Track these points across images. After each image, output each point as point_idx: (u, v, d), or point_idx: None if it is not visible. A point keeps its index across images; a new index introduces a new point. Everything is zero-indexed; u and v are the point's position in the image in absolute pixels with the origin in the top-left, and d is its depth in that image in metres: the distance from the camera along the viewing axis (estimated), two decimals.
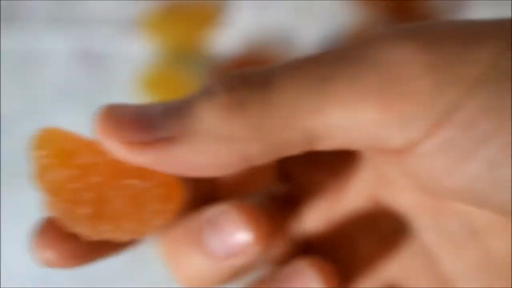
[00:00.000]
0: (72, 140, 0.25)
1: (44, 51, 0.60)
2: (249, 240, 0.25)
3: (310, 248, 0.29)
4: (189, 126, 0.23)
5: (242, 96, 0.23)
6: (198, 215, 0.27)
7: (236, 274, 0.27)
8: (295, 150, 0.24)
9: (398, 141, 0.23)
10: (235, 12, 0.61)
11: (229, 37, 0.60)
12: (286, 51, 0.60)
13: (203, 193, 0.28)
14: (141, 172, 0.24)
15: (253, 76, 0.23)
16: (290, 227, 0.29)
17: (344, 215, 0.28)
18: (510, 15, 0.56)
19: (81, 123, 0.62)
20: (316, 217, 0.28)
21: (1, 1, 0.60)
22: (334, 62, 0.23)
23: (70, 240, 0.25)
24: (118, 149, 0.24)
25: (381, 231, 0.28)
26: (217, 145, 0.23)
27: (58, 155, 0.25)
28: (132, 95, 0.59)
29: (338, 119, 0.22)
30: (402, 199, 0.27)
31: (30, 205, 0.58)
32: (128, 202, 0.24)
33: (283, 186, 0.29)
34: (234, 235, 0.25)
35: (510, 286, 0.25)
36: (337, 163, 0.28)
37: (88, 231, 0.25)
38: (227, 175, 0.24)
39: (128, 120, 0.23)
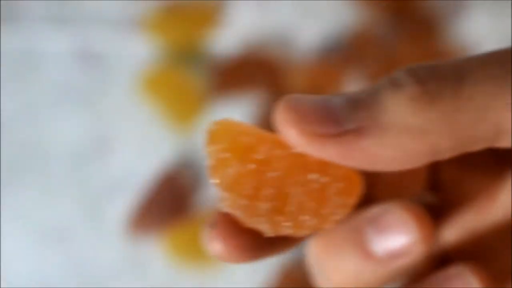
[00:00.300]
0: (249, 134, 0.24)
1: (44, 51, 0.60)
2: (414, 240, 0.24)
3: (447, 260, 0.28)
4: (378, 118, 0.22)
5: (434, 89, 0.22)
6: (358, 215, 0.26)
7: (393, 278, 0.26)
8: (479, 146, 0.23)
9: None
10: (235, 12, 0.61)
11: (229, 37, 0.60)
12: (286, 51, 0.60)
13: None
14: (320, 166, 0.24)
15: (444, 69, 0.23)
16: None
17: (488, 226, 0.27)
18: (510, 15, 0.56)
19: (81, 122, 0.62)
20: (459, 228, 0.28)
21: (1, 1, 0.60)
22: None
23: (246, 234, 0.24)
24: (299, 142, 0.23)
25: None
26: (407, 138, 0.22)
27: (235, 149, 0.24)
28: (132, 94, 0.59)
29: None
30: None
31: (30, 205, 0.58)
32: (308, 197, 0.24)
33: (431, 195, 0.29)
34: (400, 234, 0.25)
35: None
36: (489, 172, 0.27)
37: (267, 228, 0.24)
38: (409, 169, 0.24)
39: (312, 111, 0.23)
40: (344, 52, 0.60)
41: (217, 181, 0.24)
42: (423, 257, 0.26)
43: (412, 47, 0.60)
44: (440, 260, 0.28)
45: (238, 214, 0.24)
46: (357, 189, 0.24)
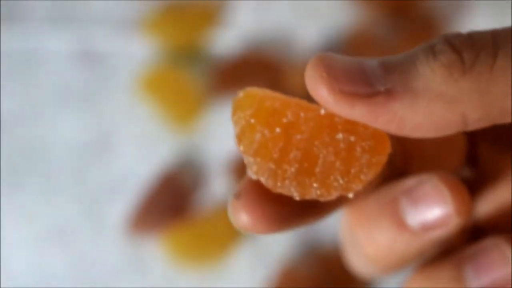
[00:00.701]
0: (274, 99, 0.24)
1: (44, 51, 0.60)
2: (450, 212, 0.24)
3: (480, 236, 0.27)
4: (411, 83, 0.22)
5: (470, 58, 0.22)
6: (393, 186, 0.26)
7: (427, 250, 0.26)
8: (509, 119, 0.23)
9: None
10: (235, 12, 0.61)
11: (229, 37, 0.60)
12: (285, 51, 0.60)
13: (393, 167, 0.27)
14: (347, 126, 0.24)
15: (480, 38, 0.23)
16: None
17: None
18: (510, 15, 0.56)
19: (81, 122, 0.62)
20: (494, 202, 0.28)
21: (1, 1, 0.60)
22: None
23: (272, 204, 0.24)
24: (328, 100, 0.23)
25: None
26: (438, 104, 0.22)
27: (260, 114, 0.24)
28: (132, 94, 0.59)
29: None
30: None
31: (30, 205, 0.58)
32: (334, 157, 0.24)
33: (468, 171, 0.28)
34: (435, 205, 0.24)
35: None
36: None
37: (294, 191, 0.24)
38: (438, 137, 0.24)
39: (344, 70, 0.23)
40: (344, 52, 0.60)
41: (244, 147, 0.24)
42: (458, 230, 0.25)
43: (412, 47, 0.60)
44: (473, 234, 0.28)
45: (265, 179, 0.24)
46: (385, 148, 0.24)
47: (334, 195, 0.24)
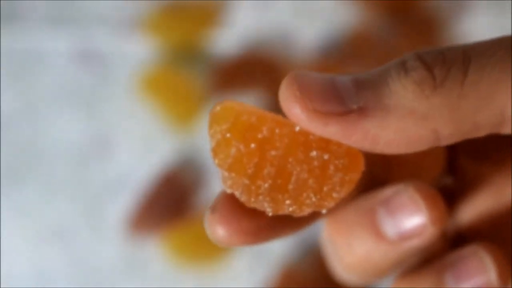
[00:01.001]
0: (250, 113, 0.24)
1: (44, 50, 0.60)
2: (426, 221, 0.24)
3: (463, 242, 0.28)
4: (383, 100, 0.23)
5: (441, 74, 0.23)
6: (370, 196, 0.26)
7: (405, 259, 0.26)
8: (482, 132, 0.23)
9: None
10: (235, 12, 0.61)
11: (229, 37, 0.60)
12: (285, 51, 0.60)
13: (373, 176, 0.27)
14: (321, 144, 0.24)
15: (451, 54, 0.23)
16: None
17: (503, 207, 0.27)
18: (510, 15, 0.56)
19: (81, 122, 0.62)
20: (475, 209, 0.28)
21: (1, 1, 0.60)
22: None
23: (247, 217, 0.24)
24: (302, 118, 0.23)
25: None
26: (410, 121, 0.22)
27: (236, 129, 0.24)
28: (132, 94, 0.59)
29: None
30: None
31: (30, 205, 0.58)
32: (308, 174, 0.24)
33: (449, 179, 0.29)
34: (411, 215, 0.25)
35: None
36: (507, 156, 0.27)
37: (267, 206, 0.24)
38: (410, 153, 0.24)
39: (317, 89, 0.23)
40: (344, 52, 0.60)
41: (219, 161, 0.24)
42: (436, 239, 0.25)
43: (412, 48, 0.60)
44: (455, 242, 0.28)
45: (239, 194, 0.24)
46: (359, 166, 0.24)
47: (306, 211, 0.24)
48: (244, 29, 0.61)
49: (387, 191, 0.26)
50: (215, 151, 0.24)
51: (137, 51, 0.60)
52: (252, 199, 0.24)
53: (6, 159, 0.58)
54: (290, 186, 0.24)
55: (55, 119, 0.59)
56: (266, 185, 0.24)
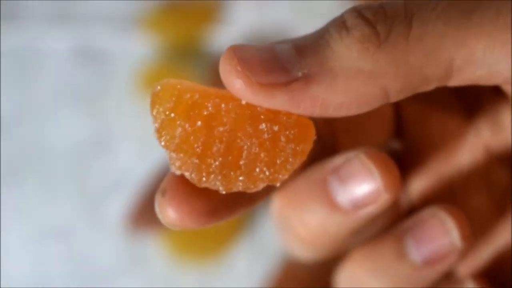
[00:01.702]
0: (193, 91, 0.23)
1: (44, 49, 0.60)
2: (379, 187, 0.24)
3: (414, 211, 0.27)
4: (327, 64, 0.22)
5: (384, 30, 0.22)
6: (320, 166, 0.25)
7: (361, 229, 0.25)
8: (431, 85, 0.23)
9: None
10: (235, 10, 0.61)
11: (228, 34, 0.60)
12: None
13: (321, 145, 0.26)
14: (270, 115, 0.23)
15: (392, 9, 0.22)
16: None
17: (456, 171, 0.27)
18: None
19: (81, 120, 0.62)
20: (428, 175, 0.27)
21: (1, 0, 0.60)
22: None
23: (199, 197, 0.23)
24: (246, 93, 0.22)
25: (492, 182, 0.27)
26: (358, 81, 0.22)
27: (179, 108, 0.23)
28: (131, 92, 0.59)
29: (480, 51, 0.21)
30: None
31: (30, 203, 0.58)
32: (259, 148, 0.23)
33: (396, 143, 0.28)
34: (364, 182, 0.24)
35: None
36: (454, 115, 0.27)
37: (220, 185, 0.23)
38: (362, 112, 0.23)
39: (258, 60, 0.22)
40: None
41: (165, 142, 0.23)
42: (391, 206, 0.25)
43: None
44: (409, 213, 0.27)
45: (189, 174, 0.23)
46: (310, 135, 0.23)
47: (260, 186, 0.23)
48: (243, 26, 0.61)
49: (338, 159, 0.25)
50: (159, 132, 0.23)
51: (137, 49, 0.60)
52: (204, 179, 0.23)
53: (6, 157, 0.58)
54: (242, 162, 0.23)
55: (55, 117, 0.59)
56: (217, 163, 0.23)
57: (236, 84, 0.22)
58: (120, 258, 0.56)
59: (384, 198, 0.24)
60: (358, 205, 0.24)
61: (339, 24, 0.22)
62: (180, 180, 0.23)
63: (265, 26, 0.61)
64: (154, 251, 0.56)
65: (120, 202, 0.57)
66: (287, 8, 0.61)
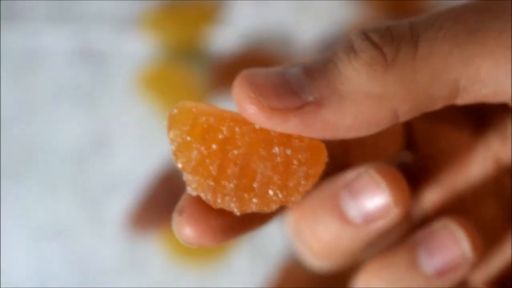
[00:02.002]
0: (209, 114, 0.24)
1: (44, 49, 0.60)
2: (389, 201, 0.24)
3: (428, 222, 0.27)
4: (336, 87, 0.22)
5: (391, 52, 0.22)
6: (332, 181, 0.26)
7: (371, 242, 0.26)
8: (439, 105, 0.23)
9: None
10: (234, 10, 0.61)
11: (228, 35, 0.60)
12: (284, 49, 0.60)
13: (334, 161, 0.27)
14: (283, 139, 0.24)
15: (399, 30, 0.23)
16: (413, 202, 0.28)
17: (468, 183, 0.28)
18: None
19: (80, 120, 0.62)
20: (439, 188, 0.28)
21: (1, 0, 0.60)
22: (481, 13, 0.23)
23: (215, 216, 0.24)
24: (259, 118, 0.23)
25: (503, 193, 0.27)
26: (368, 104, 0.22)
27: (195, 131, 0.24)
28: (131, 92, 0.59)
29: (485, 69, 0.22)
30: None
31: (30, 203, 0.58)
32: (272, 171, 0.24)
33: (409, 155, 0.28)
34: (373, 196, 0.25)
35: None
36: (464, 129, 0.27)
37: (234, 206, 0.24)
38: (371, 134, 0.24)
39: (270, 86, 0.23)
40: None
41: (182, 165, 0.24)
42: (402, 219, 0.25)
43: None
44: (422, 225, 0.28)
45: (205, 196, 0.24)
46: (322, 158, 0.24)
47: (273, 208, 0.24)
48: (243, 27, 0.61)
49: (349, 175, 0.25)
50: (176, 155, 0.24)
51: (137, 49, 0.60)
52: (219, 200, 0.24)
53: (6, 157, 0.58)
54: (255, 185, 0.24)
55: (54, 117, 0.59)
56: (231, 185, 0.24)
57: (249, 109, 0.23)
58: (119, 259, 0.56)
59: (394, 213, 0.24)
60: (369, 219, 0.25)
61: (347, 47, 0.23)
62: (196, 200, 0.24)
63: (265, 26, 0.61)
64: (154, 252, 0.56)
65: (120, 202, 0.57)
66: (287, 8, 0.61)
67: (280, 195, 0.24)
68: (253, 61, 0.60)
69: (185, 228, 0.24)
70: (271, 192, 0.24)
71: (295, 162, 0.24)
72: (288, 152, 0.24)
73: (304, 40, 0.60)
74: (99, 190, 0.57)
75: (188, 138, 0.24)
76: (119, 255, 0.56)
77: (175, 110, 0.24)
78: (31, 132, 0.58)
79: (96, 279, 0.55)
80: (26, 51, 0.60)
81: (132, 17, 0.61)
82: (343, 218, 0.25)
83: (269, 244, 0.55)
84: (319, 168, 0.24)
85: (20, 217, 0.57)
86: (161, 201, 0.57)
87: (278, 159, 0.24)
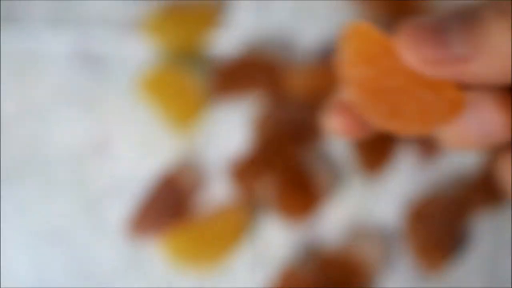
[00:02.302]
0: (378, 42, 0.28)
1: (44, 51, 0.60)
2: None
3: None
4: (484, 45, 0.26)
5: None
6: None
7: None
8: None
9: None
10: (235, 13, 0.61)
11: (229, 38, 0.60)
12: (286, 52, 0.60)
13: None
14: (433, 84, 0.28)
15: None
16: None
17: None
18: None
19: (81, 123, 0.62)
20: None
21: (1, 2, 0.60)
22: None
23: (357, 117, 0.30)
24: (415, 63, 0.27)
25: None
26: (504, 61, 0.26)
27: (364, 54, 0.28)
28: (132, 96, 0.59)
29: None
30: None
31: (30, 206, 0.58)
32: (417, 109, 0.28)
33: None
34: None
35: None
36: None
37: (378, 124, 0.29)
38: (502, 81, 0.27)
39: (427, 37, 0.27)
40: None
41: (346, 78, 0.28)
42: None
43: None
44: None
45: (357, 105, 0.29)
46: (458, 110, 0.28)
47: (410, 135, 0.30)
48: (244, 30, 0.60)
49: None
50: (343, 67, 0.28)
51: (137, 52, 0.60)
52: (367, 115, 0.28)
53: (6, 159, 0.58)
54: (400, 115, 0.28)
55: (55, 120, 0.59)
56: (383, 109, 0.28)
57: (408, 57, 0.27)
58: (120, 262, 0.56)
59: None
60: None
61: (496, 5, 0.26)
62: (345, 104, 0.30)
63: (266, 29, 0.61)
64: (154, 256, 0.56)
65: (121, 206, 0.57)
66: (288, 11, 0.61)
67: (417, 130, 0.28)
68: (255, 64, 0.60)
69: (334, 118, 0.30)
70: (410, 126, 0.28)
71: (436, 107, 0.28)
72: (433, 97, 0.28)
73: (305, 43, 0.60)
74: (99, 194, 0.57)
75: (356, 58, 0.28)
76: (120, 259, 0.56)
77: (352, 27, 0.28)
78: (31, 134, 0.58)
79: (96, 282, 0.55)
80: (26, 53, 0.60)
81: (133, 20, 0.61)
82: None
83: (270, 248, 0.55)
84: (454, 117, 0.28)
85: (20, 219, 0.57)
86: (162, 206, 0.57)
87: (424, 100, 0.28)
